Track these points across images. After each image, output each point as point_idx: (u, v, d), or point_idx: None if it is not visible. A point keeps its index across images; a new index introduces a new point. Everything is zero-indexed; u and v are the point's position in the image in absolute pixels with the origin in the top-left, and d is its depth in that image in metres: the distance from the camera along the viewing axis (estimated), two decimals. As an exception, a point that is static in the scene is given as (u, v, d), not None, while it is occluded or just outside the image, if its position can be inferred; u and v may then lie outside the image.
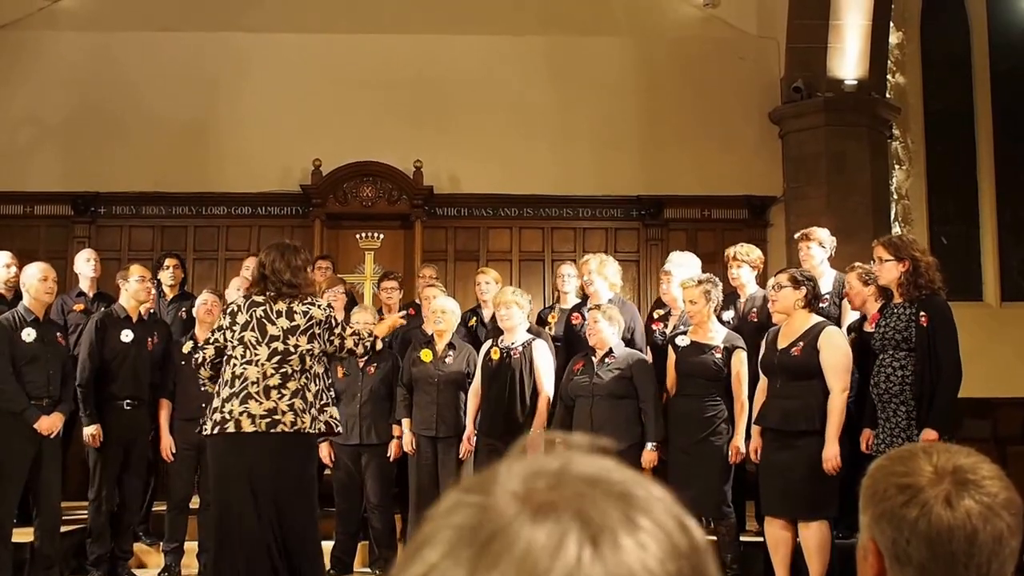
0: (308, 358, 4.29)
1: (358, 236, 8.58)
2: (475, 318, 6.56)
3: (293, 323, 4.30)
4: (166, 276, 6.78)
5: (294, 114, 8.69)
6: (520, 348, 5.62)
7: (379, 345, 4.97)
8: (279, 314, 4.31)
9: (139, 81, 8.73)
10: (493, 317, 6.20)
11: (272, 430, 4.17)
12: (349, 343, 4.48)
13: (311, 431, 4.27)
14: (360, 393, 5.77)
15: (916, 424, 4.67)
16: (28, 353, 5.33)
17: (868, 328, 5.19)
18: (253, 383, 4.21)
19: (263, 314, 4.31)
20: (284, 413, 4.19)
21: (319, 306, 4.41)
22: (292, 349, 4.27)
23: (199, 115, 8.74)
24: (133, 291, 5.77)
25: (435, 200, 8.72)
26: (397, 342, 6.34)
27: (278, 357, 4.25)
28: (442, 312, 5.78)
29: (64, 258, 7.92)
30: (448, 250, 8.85)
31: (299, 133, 8.64)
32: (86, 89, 8.71)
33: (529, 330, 5.77)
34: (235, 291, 6.20)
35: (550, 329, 6.23)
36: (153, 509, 6.34)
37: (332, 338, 4.40)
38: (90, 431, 5.60)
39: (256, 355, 4.26)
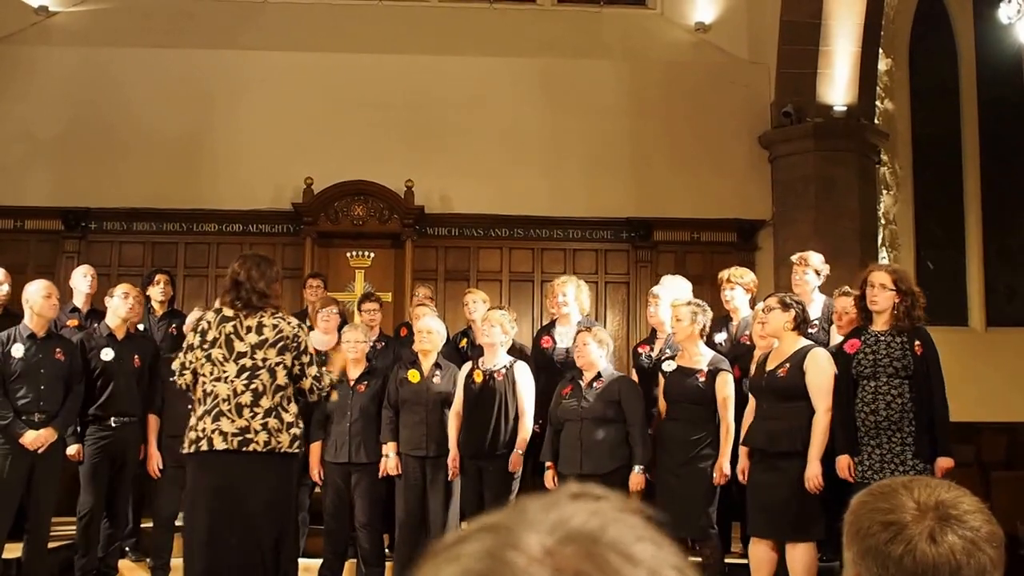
0: (280, 372, 4.23)
1: (349, 255, 8.60)
2: (466, 339, 6.54)
3: (262, 336, 4.23)
4: (156, 292, 6.73)
5: (287, 132, 8.70)
6: (503, 370, 5.63)
7: (334, 396, 4.82)
8: (248, 329, 4.25)
9: (132, 97, 8.72)
10: (482, 337, 6.21)
11: (244, 448, 4.13)
12: (307, 383, 4.33)
13: (288, 451, 4.23)
14: (350, 412, 5.76)
15: (911, 451, 4.73)
16: (16, 368, 5.37)
17: (850, 352, 5.22)
18: (224, 400, 4.17)
19: (232, 330, 4.25)
20: (257, 432, 4.14)
21: (290, 323, 4.33)
22: (260, 363, 4.21)
23: (192, 132, 8.74)
24: (115, 307, 5.83)
25: (426, 220, 8.74)
26: (389, 361, 6.33)
27: (247, 373, 4.20)
28: (427, 332, 5.78)
29: (53, 273, 7.91)
30: (438, 269, 8.87)
31: (292, 151, 8.65)
32: (78, 104, 8.71)
33: (510, 351, 5.78)
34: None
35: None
36: (141, 525, 6.32)
37: (296, 361, 4.29)
38: (70, 451, 5.68)
39: (224, 372, 4.21)
